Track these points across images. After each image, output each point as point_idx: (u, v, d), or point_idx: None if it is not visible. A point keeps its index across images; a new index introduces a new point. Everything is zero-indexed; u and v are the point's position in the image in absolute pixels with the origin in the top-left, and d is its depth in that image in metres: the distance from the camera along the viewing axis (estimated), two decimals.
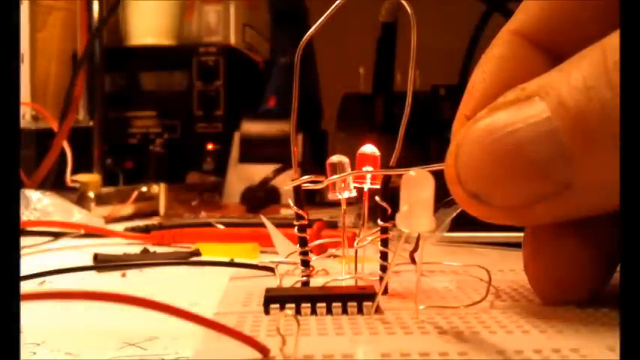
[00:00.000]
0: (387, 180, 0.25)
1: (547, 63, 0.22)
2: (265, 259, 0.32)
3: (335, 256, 0.28)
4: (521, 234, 0.24)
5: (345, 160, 0.25)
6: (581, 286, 0.22)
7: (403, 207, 0.19)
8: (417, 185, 0.19)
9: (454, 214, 0.26)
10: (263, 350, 0.17)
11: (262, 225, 0.30)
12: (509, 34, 0.23)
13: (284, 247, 0.29)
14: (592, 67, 0.18)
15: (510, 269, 0.29)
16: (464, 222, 0.24)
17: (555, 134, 0.18)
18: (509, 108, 0.19)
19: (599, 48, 0.18)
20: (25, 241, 0.47)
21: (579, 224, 0.21)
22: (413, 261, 0.25)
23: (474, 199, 0.20)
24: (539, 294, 0.23)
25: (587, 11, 0.22)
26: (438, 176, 0.20)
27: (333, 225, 0.47)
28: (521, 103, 0.19)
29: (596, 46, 0.18)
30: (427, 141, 0.69)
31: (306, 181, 0.25)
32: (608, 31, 0.18)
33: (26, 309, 0.17)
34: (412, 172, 0.19)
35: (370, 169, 0.25)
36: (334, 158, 0.25)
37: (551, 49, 0.23)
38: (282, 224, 0.35)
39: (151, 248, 0.45)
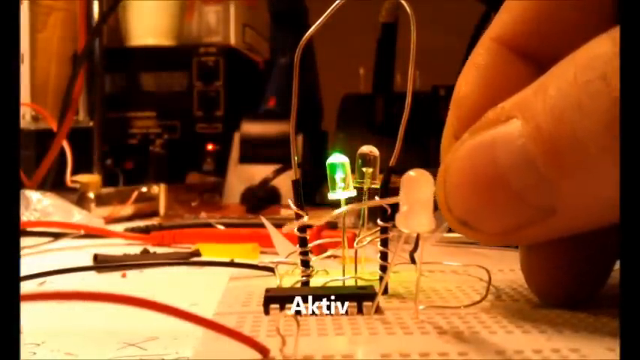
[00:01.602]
0: (386, 180, 0.25)
1: (531, 72, 0.21)
2: (265, 260, 0.32)
3: (335, 257, 0.28)
4: None
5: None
6: (578, 286, 0.22)
7: (403, 207, 0.19)
8: (416, 185, 0.19)
9: None
10: (263, 351, 0.17)
11: (262, 225, 0.30)
12: (490, 42, 0.22)
13: (284, 248, 0.28)
14: (562, 86, 0.17)
15: (510, 269, 0.29)
16: None
17: (531, 160, 0.18)
18: (489, 130, 0.19)
19: (572, 64, 0.18)
20: (25, 241, 0.47)
21: None
22: (413, 261, 0.25)
23: (464, 225, 0.20)
24: (537, 295, 0.23)
25: (569, 14, 0.21)
26: None
27: (333, 225, 0.47)
28: (500, 125, 0.19)
29: (568, 60, 0.18)
30: (427, 141, 0.69)
31: (301, 225, 0.25)
32: (592, 35, 0.18)
33: (26, 309, 0.17)
34: (412, 173, 0.19)
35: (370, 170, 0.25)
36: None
37: (534, 57, 0.22)
38: (282, 224, 0.35)
39: (151, 249, 0.45)
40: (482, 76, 0.22)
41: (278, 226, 0.31)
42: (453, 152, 0.20)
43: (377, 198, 0.25)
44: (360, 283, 0.26)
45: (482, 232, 0.20)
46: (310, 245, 0.26)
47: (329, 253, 0.27)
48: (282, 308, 0.22)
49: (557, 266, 0.22)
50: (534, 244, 0.22)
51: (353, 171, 0.26)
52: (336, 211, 0.24)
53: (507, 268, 0.29)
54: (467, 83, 0.22)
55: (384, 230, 0.25)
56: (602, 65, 0.17)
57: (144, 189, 0.69)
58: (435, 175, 0.20)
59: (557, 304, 0.22)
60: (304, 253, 0.25)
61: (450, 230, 0.26)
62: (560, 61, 0.18)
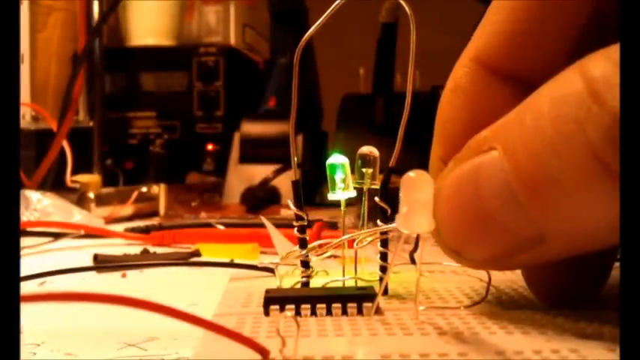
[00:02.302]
0: (386, 180, 0.25)
1: (514, 91, 0.21)
2: (265, 260, 0.32)
3: (335, 257, 0.28)
4: None
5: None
6: (579, 287, 0.22)
7: (403, 208, 0.19)
8: (416, 186, 0.19)
9: None
10: (263, 352, 0.17)
11: (262, 225, 0.30)
12: (470, 62, 0.22)
13: (284, 248, 0.29)
14: (537, 120, 0.17)
15: None
16: None
17: (513, 194, 0.18)
18: (472, 160, 0.19)
19: (546, 98, 0.17)
20: (25, 241, 0.47)
21: None
22: (413, 261, 0.25)
23: (456, 254, 0.20)
24: (537, 296, 0.23)
25: (547, 34, 0.21)
26: None
27: (333, 225, 0.47)
28: (482, 155, 0.19)
29: (543, 92, 0.18)
30: (427, 142, 0.69)
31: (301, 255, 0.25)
32: (572, 55, 0.18)
33: (26, 309, 0.17)
34: (411, 173, 0.19)
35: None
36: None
37: (514, 77, 0.21)
38: (282, 224, 0.35)
39: (151, 249, 0.45)
40: (463, 98, 0.22)
41: (278, 226, 0.31)
42: (440, 181, 0.20)
43: (377, 198, 0.25)
44: (360, 283, 0.26)
45: (472, 260, 0.20)
46: (310, 246, 0.26)
47: (329, 253, 0.27)
48: (282, 309, 0.22)
49: (557, 268, 0.22)
50: None
51: (353, 171, 0.26)
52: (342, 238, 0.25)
53: None
54: (449, 106, 0.22)
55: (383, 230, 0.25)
56: (575, 108, 0.17)
57: (144, 189, 0.69)
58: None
59: (558, 305, 0.22)
60: None
61: None
62: (539, 86, 0.18)
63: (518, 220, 0.18)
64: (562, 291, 0.22)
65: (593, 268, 0.23)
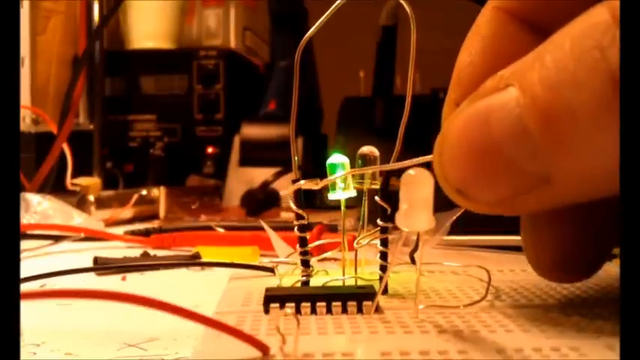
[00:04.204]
0: (387, 180, 0.25)
1: (535, 40, 0.20)
2: (265, 262, 0.32)
3: (335, 259, 0.28)
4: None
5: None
6: (581, 262, 0.22)
7: (403, 206, 0.19)
8: (416, 184, 0.19)
9: (454, 218, 0.26)
10: (263, 349, 0.17)
11: (262, 228, 0.30)
12: (493, 11, 0.22)
13: (283, 251, 0.28)
14: (558, 56, 0.17)
15: (510, 269, 0.29)
16: (463, 224, 0.25)
17: (527, 129, 0.17)
18: (486, 98, 0.19)
19: (568, 34, 0.17)
20: (25, 244, 0.47)
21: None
22: (413, 261, 0.25)
23: (460, 194, 0.20)
24: (538, 272, 0.23)
25: None
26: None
27: (333, 228, 0.47)
28: (498, 93, 0.18)
29: (565, 29, 0.17)
30: (427, 143, 0.69)
31: (306, 185, 0.25)
32: (595, 2, 0.17)
33: (26, 309, 0.17)
34: (412, 171, 0.19)
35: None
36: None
37: (538, 25, 0.21)
38: (282, 227, 0.35)
39: (151, 252, 0.45)
40: (484, 44, 0.22)
41: (278, 228, 0.31)
42: (451, 120, 0.20)
43: (377, 197, 0.25)
44: (360, 282, 0.26)
45: (477, 201, 0.19)
46: (310, 246, 0.26)
47: (328, 254, 0.27)
48: (282, 307, 0.22)
49: (560, 244, 0.22)
50: (537, 220, 0.22)
51: None
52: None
53: (507, 269, 0.29)
54: (469, 52, 0.22)
55: (383, 230, 0.25)
56: (599, 36, 0.16)
57: (144, 192, 0.69)
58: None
59: (558, 281, 0.22)
60: (304, 253, 0.25)
61: (449, 233, 0.27)
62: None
63: (527, 156, 0.18)
64: (563, 266, 0.22)
65: (596, 243, 0.22)
